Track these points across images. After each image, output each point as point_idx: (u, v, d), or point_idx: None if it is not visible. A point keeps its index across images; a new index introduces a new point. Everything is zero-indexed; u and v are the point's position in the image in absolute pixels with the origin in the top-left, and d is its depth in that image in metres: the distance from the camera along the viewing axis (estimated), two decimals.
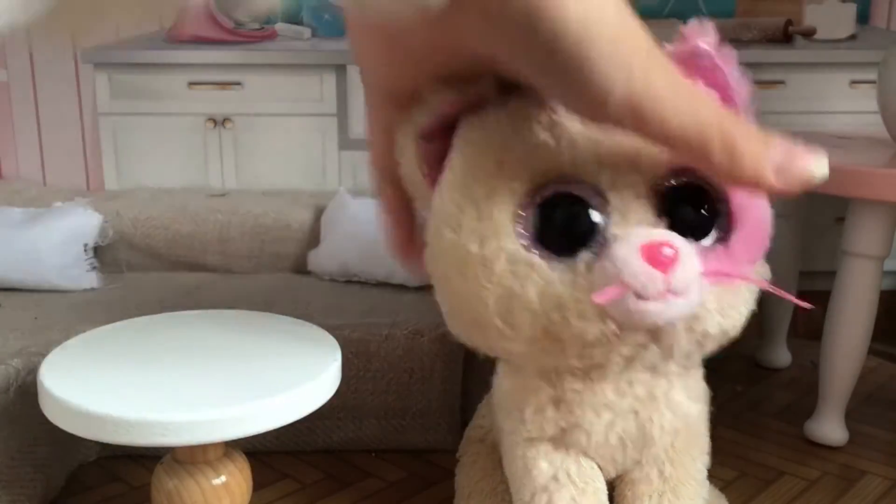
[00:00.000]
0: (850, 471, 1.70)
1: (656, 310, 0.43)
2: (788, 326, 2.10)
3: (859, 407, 1.87)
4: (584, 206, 0.42)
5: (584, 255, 0.42)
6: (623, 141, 0.40)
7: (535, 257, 0.43)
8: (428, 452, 1.71)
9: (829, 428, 1.77)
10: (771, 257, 2.05)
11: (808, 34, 2.45)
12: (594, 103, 0.33)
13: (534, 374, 0.66)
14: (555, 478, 0.74)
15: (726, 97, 0.43)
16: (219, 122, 2.34)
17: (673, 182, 0.43)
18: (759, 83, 2.32)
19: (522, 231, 0.42)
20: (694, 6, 2.60)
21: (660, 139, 0.34)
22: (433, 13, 0.30)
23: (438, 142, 0.42)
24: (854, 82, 2.31)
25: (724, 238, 0.44)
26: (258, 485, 1.33)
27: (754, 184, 0.35)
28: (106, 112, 2.36)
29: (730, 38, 2.16)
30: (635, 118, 0.33)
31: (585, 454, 0.73)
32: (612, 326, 0.43)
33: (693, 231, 0.43)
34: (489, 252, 0.42)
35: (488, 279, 0.43)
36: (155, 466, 1.25)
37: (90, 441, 1.15)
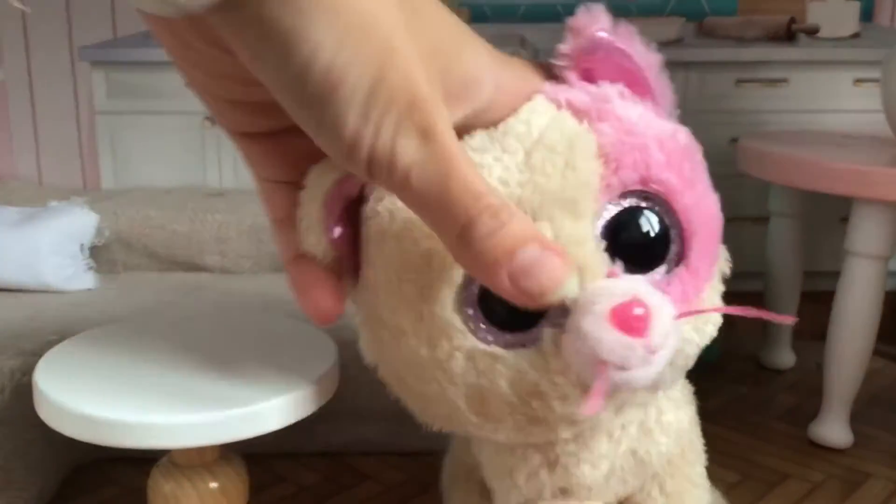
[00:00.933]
0: (855, 473, 1.69)
1: (642, 375, 0.37)
2: (792, 327, 2.09)
3: (864, 409, 1.86)
4: None
5: (548, 332, 0.38)
6: (551, 185, 0.37)
7: (496, 347, 0.38)
8: (427, 455, 1.70)
9: (834, 430, 1.76)
10: (775, 258, 2.04)
11: (812, 32, 2.44)
12: (343, 145, 0.31)
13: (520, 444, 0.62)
14: None
15: (636, 79, 0.40)
16: (216, 121, 2.34)
17: (615, 210, 0.38)
18: (763, 81, 2.31)
19: (472, 320, 0.38)
20: (696, 3, 2.59)
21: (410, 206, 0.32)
22: (192, 15, 0.28)
23: (344, 229, 0.37)
24: (857, 80, 2.30)
25: (682, 253, 0.40)
26: (256, 488, 1.32)
27: (484, 276, 0.32)
28: (103, 111, 2.35)
29: (733, 35, 2.14)
30: (383, 174, 0.31)
31: (587, 500, 0.71)
32: (600, 399, 0.38)
33: (649, 255, 0.39)
34: (442, 354, 0.38)
35: (451, 381, 0.39)
36: (151, 469, 1.24)
37: (86, 443, 1.15)
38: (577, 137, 0.38)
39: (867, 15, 2.59)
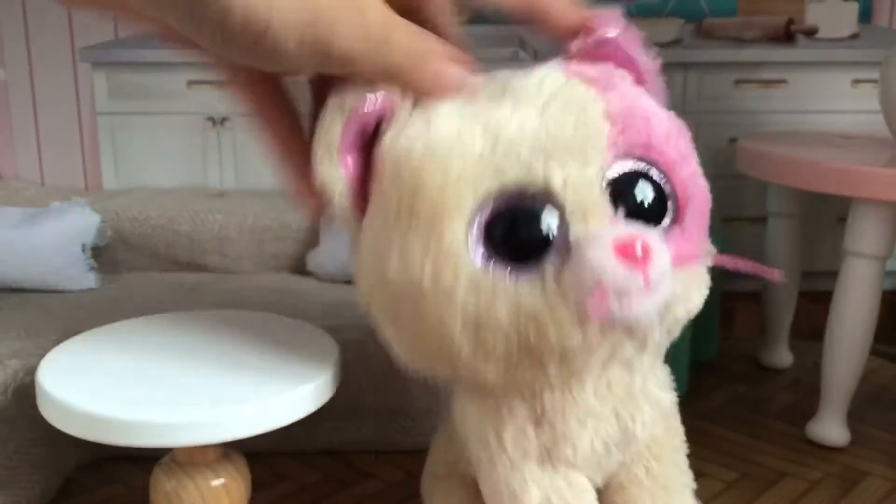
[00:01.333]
0: (853, 472, 1.69)
1: (639, 308, 0.41)
2: (790, 327, 2.10)
3: (861, 408, 1.86)
4: (538, 213, 0.41)
5: (551, 266, 0.41)
6: (564, 134, 0.39)
7: (499, 276, 0.41)
8: (427, 453, 1.70)
9: (831, 429, 1.76)
10: (773, 257, 2.04)
11: (810, 33, 2.44)
12: (273, 55, 0.37)
13: (507, 394, 0.61)
14: (547, 500, 0.71)
15: (637, 77, 0.44)
16: (218, 121, 2.34)
17: (620, 170, 0.42)
18: (761, 82, 2.32)
19: (478, 250, 0.41)
20: (695, 4, 2.60)
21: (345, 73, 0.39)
22: None
23: (357, 158, 0.41)
24: (856, 81, 2.31)
25: (677, 218, 0.44)
26: (257, 486, 1.32)
27: (427, 93, 0.40)
28: (104, 111, 2.35)
29: (731, 36, 2.14)
30: (321, 62, 0.37)
31: (573, 467, 0.70)
32: (594, 331, 0.42)
33: (648, 217, 0.43)
34: (446, 282, 0.40)
35: (450, 310, 0.41)
36: (153, 468, 1.24)
37: (88, 442, 1.15)
38: (588, 100, 0.42)
39: (866, 16, 2.60)
